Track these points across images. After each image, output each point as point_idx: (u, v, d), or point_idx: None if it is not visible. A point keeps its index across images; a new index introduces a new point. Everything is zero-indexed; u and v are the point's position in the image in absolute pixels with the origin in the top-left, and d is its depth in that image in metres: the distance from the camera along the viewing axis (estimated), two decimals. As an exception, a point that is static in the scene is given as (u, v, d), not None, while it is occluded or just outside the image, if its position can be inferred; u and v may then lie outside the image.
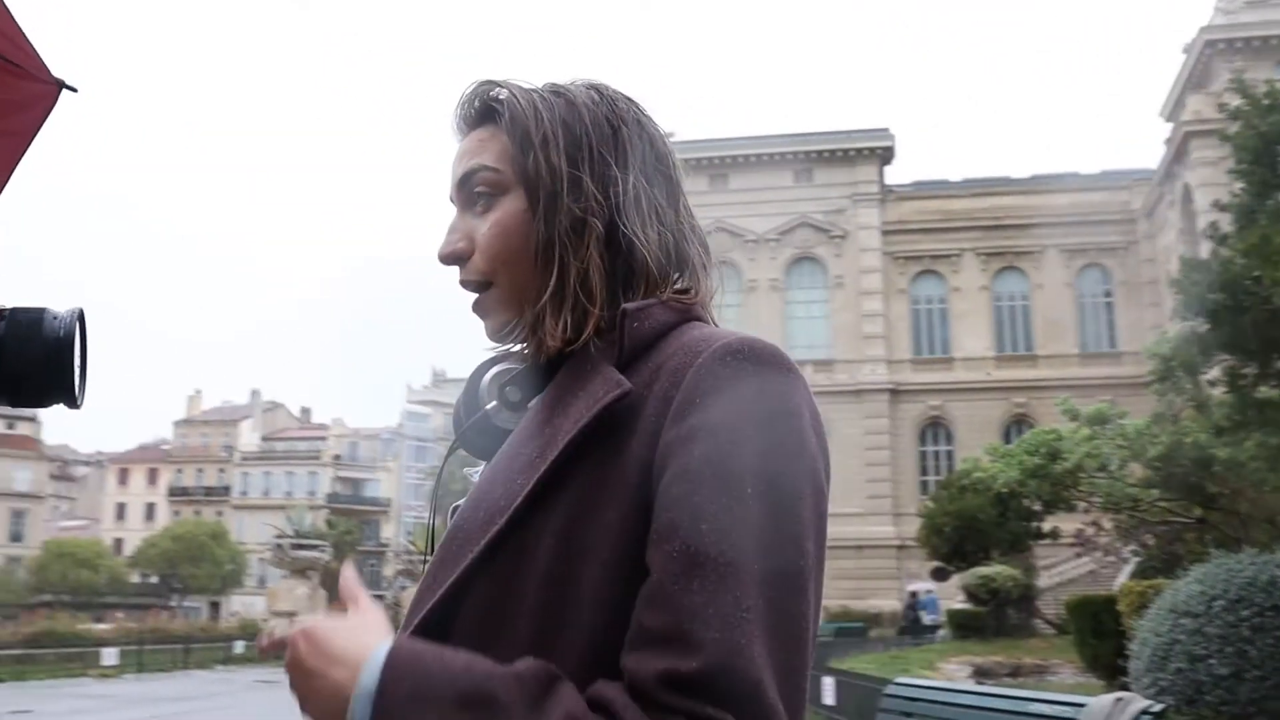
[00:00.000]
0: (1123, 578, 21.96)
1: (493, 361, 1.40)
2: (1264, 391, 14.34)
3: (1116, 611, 14.76)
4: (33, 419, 73.60)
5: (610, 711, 1.02)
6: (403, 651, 1.08)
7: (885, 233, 52.02)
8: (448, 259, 1.35)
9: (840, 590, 42.38)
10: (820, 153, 52.26)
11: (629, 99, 1.38)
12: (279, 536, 36.05)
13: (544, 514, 1.15)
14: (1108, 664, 14.39)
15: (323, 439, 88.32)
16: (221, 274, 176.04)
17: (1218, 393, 16.71)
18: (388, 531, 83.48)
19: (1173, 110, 45.84)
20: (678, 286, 1.33)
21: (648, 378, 1.20)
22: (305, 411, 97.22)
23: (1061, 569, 33.70)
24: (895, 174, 54.07)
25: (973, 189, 52.18)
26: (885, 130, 53.60)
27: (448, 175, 1.37)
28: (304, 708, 1.11)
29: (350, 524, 77.51)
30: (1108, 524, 23.30)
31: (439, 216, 1.40)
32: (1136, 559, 23.02)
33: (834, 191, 52.35)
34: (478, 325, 1.36)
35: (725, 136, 52.24)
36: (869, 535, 46.85)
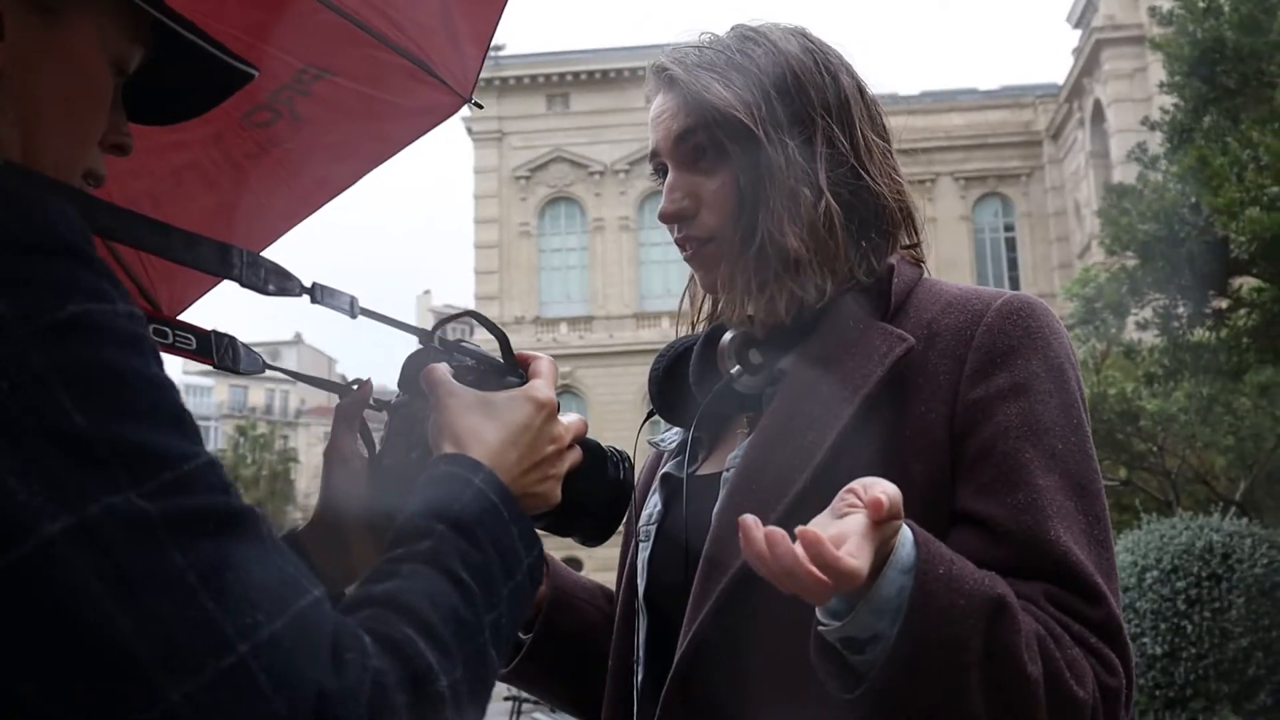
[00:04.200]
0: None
1: (709, 333, 1.49)
2: (1198, 334, 13.88)
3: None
4: None
5: (1060, 640, 1.16)
6: (920, 533, 1.13)
7: (755, 160, 45.63)
8: (672, 217, 1.41)
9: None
10: (676, 68, 46.13)
11: (834, 48, 1.44)
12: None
13: (845, 469, 1.16)
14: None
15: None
16: None
17: (1147, 337, 15.95)
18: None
19: (1082, 14, 42.22)
20: (905, 242, 1.44)
21: (921, 334, 1.32)
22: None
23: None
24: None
25: (855, 110, 46.51)
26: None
27: (650, 132, 1.44)
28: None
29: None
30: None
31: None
32: (1052, 529, 21.74)
33: (694, 114, 45.71)
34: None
35: (565, 49, 47.33)
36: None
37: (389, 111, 1.96)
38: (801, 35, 1.43)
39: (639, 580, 1.44)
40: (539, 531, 1.09)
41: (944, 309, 1.33)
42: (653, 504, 1.47)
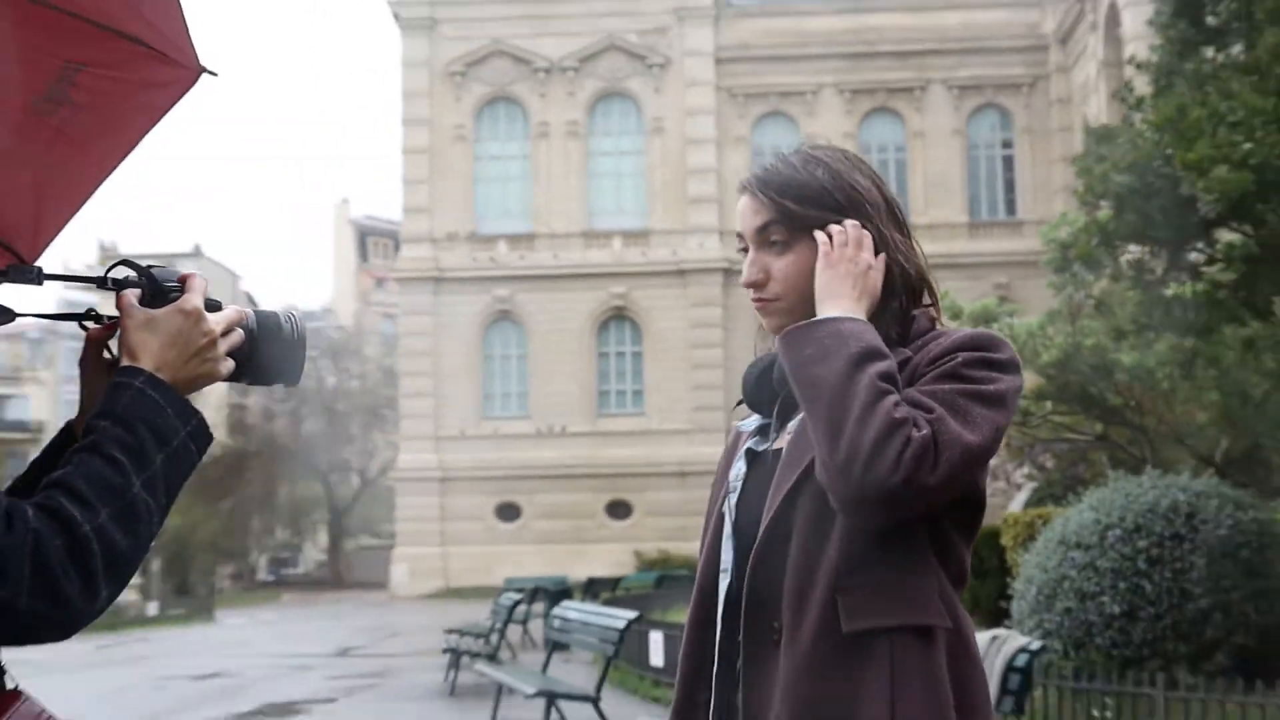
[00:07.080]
0: (1015, 507, 20.88)
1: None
2: (1174, 289, 13.88)
3: (1000, 546, 14.92)
4: None
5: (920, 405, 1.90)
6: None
7: (720, 61, 43.69)
8: (751, 285, 2.09)
9: (661, 530, 39.50)
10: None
11: (867, 163, 2.16)
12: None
13: None
14: (988, 607, 14.56)
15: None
16: None
17: (1123, 289, 16.55)
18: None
19: (1097, -100, 39.94)
20: (926, 302, 2.12)
21: (924, 358, 1.98)
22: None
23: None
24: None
25: (836, 5, 44.09)
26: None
27: (738, 221, 2.10)
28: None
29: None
30: (996, 444, 21.90)
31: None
32: (1032, 485, 22.33)
33: (652, 4, 43.57)
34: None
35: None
36: (695, 459, 39.61)
37: (140, 88, 2.25)
38: (854, 157, 2.10)
39: (728, 515, 2.08)
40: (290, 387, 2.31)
41: (939, 344, 1.97)
42: (738, 468, 2.12)
